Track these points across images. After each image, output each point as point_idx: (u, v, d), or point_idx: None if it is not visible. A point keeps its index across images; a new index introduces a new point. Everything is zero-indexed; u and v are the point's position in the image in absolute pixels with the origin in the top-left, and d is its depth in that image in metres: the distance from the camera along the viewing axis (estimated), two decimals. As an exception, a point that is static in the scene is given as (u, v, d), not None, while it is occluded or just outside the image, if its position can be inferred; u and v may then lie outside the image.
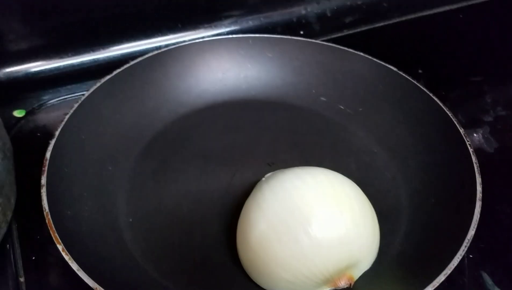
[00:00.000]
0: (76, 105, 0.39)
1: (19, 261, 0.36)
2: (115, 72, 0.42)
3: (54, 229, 0.31)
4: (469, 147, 0.37)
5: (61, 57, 0.52)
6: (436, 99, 0.41)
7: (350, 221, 0.31)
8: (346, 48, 0.47)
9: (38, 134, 0.46)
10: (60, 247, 0.30)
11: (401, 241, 0.35)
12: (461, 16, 0.63)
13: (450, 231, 0.33)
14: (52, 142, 0.36)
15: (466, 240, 0.31)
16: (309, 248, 0.30)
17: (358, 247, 0.31)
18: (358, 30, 0.60)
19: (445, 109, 0.40)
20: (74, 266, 0.29)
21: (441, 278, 0.29)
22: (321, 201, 0.32)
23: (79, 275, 0.29)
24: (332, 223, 0.31)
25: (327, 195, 0.32)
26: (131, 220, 0.37)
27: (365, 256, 0.32)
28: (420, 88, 0.43)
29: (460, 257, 0.30)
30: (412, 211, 0.37)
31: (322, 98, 0.48)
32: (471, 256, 0.36)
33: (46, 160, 0.35)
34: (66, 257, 0.29)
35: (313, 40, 0.48)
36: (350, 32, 0.60)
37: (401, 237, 0.36)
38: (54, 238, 0.30)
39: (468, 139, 0.37)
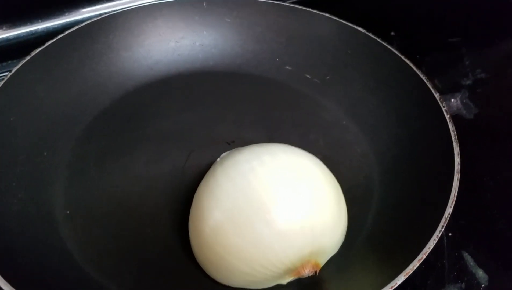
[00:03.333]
0: (1, 83, 0.34)
1: None
2: (47, 43, 0.37)
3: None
4: (445, 113, 0.33)
5: (-6, 31, 0.46)
6: (409, 62, 0.37)
7: (311, 203, 0.28)
8: (311, 10, 0.42)
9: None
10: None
11: (371, 223, 0.32)
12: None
13: (425, 209, 0.30)
14: (-27, 126, 0.31)
15: (443, 219, 0.27)
16: (267, 235, 0.27)
17: (322, 231, 0.28)
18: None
19: (419, 73, 0.36)
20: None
21: (415, 264, 0.25)
22: (280, 183, 0.28)
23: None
24: (291, 206, 0.28)
25: (286, 175, 0.29)
26: (68, 212, 0.32)
27: (330, 240, 0.29)
28: (392, 51, 0.39)
29: (437, 239, 0.27)
30: (384, 189, 0.34)
31: (287, 67, 0.43)
32: (450, 234, 0.33)
33: (-34, 147, 0.30)
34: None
35: (276, 2, 0.43)
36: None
37: (371, 218, 0.32)
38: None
39: (444, 105, 0.34)
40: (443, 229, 0.27)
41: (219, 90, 0.42)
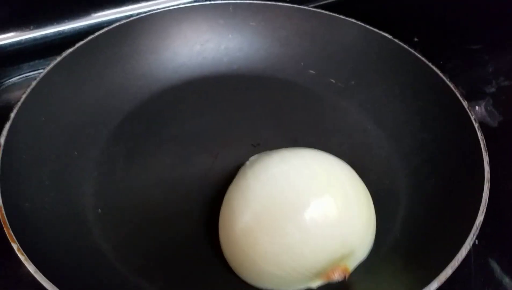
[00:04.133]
0: (34, 83, 0.35)
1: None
2: (77, 45, 0.38)
3: (8, 225, 0.27)
4: (474, 122, 0.33)
5: (23, 30, 0.47)
6: (436, 69, 0.37)
7: (342, 207, 0.28)
8: (336, 15, 0.43)
9: (-3, 117, 0.41)
10: (15, 246, 0.26)
11: (399, 227, 0.32)
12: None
13: (455, 217, 0.30)
14: (7, 125, 0.32)
15: (474, 227, 0.27)
16: (298, 239, 0.27)
17: (353, 235, 0.28)
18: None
19: (446, 81, 0.36)
20: (31, 267, 0.25)
21: (448, 271, 0.26)
22: (310, 186, 0.29)
23: (37, 278, 0.25)
24: (322, 210, 0.28)
25: (317, 180, 0.29)
26: (99, 211, 0.33)
27: (361, 244, 0.29)
28: (419, 57, 0.39)
29: (469, 247, 0.27)
30: (410, 194, 0.34)
31: (311, 71, 0.43)
32: (476, 242, 0.33)
33: (0, 146, 0.31)
34: (22, 257, 0.26)
35: (300, 7, 0.44)
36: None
37: (399, 223, 0.32)
38: (8, 236, 0.26)
39: (472, 113, 0.34)
40: (474, 237, 0.27)
41: (243, 93, 0.43)
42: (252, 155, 0.35)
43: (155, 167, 0.36)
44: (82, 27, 0.47)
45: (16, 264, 0.29)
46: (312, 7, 0.49)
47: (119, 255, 0.31)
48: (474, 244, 0.32)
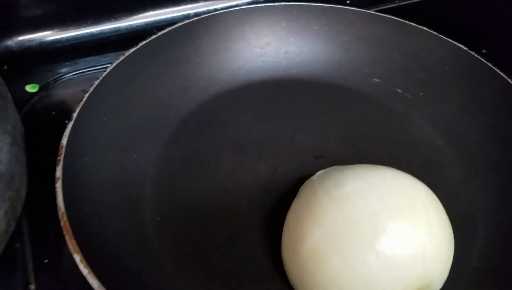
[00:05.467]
0: (96, 82, 0.34)
1: (30, 265, 0.31)
2: (140, 44, 0.37)
3: (71, 234, 0.26)
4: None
5: (79, 25, 0.46)
6: (517, 86, 0.35)
7: (426, 234, 0.26)
8: (406, 22, 0.40)
9: (53, 113, 0.41)
10: (78, 257, 0.25)
11: (477, 257, 0.30)
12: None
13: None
14: (69, 126, 0.31)
15: None
16: (375, 266, 0.25)
17: (434, 266, 0.26)
18: (413, 0, 0.53)
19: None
20: (94, 283, 0.24)
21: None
22: (391, 209, 0.26)
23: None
24: (403, 236, 0.26)
25: (398, 202, 0.27)
26: (158, 219, 0.32)
27: (440, 274, 0.27)
28: (497, 72, 0.36)
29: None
30: (488, 220, 0.32)
31: (376, 80, 0.41)
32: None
33: (62, 147, 0.30)
34: (85, 270, 0.24)
35: (369, 11, 0.41)
36: (404, 2, 0.52)
37: (477, 251, 0.30)
38: (70, 246, 0.25)
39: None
40: None
41: (302, 100, 0.41)
42: (314, 167, 0.33)
43: (213, 174, 0.35)
44: (139, 24, 0.47)
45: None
46: (375, 10, 0.47)
47: (176, 266, 0.29)
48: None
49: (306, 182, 0.32)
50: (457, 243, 0.29)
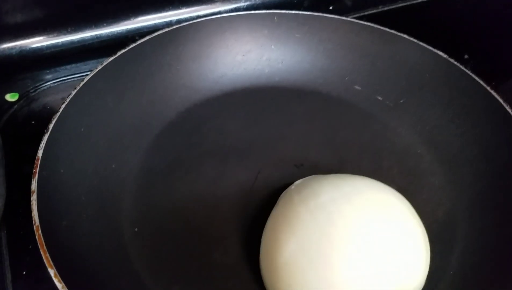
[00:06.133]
0: (73, 92, 0.33)
1: (8, 275, 0.31)
2: (119, 53, 0.36)
3: (45, 248, 0.25)
4: (538, 155, 0.31)
5: (60, 33, 0.46)
6: (495, 94, 0.35)
7: (398, 246, 0.26)
8: (387, 29, 0.40)
9: (33, 122, 0.41)
10: (52, 272, 0.25)
11: (455, 266, 0.30)
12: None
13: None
14: (45, 137, 0.30)
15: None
16: (349, 278, 0.25)
17: (407, 276, 0.26)
18: (396, 6, 0.53)
19: (506, 107, 0.34)
20: (67, 296, 0.24)
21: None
22: (364, 219, 0.27)
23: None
24: (377, 249, 0.26)
25: (371, 212, 0.27)
26: (136, 229, 0.31)
27: (415, 284, 0.27)
28: (474, 79, 0.36)
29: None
30: (467, 228, 0.32)
31: (357, 87, 0.41)
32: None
33: (38, 159, 0.29)
34: (59, 285, 0.24)
35: (349, 19, 0.41)
36: (386, 8, 0.53)
37: (455, 261, 0.30)
38: (45, 259, 0.25)
39: (537, 146, 0.31)
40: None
41: (284, 107, 0.41)
42: (294, 176, 0.33)
43: (194, 182, 0.35)
44: (121, 31, 0.46)
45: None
46: (356, 17, 0.47)
47: (153, 278, 0.29)
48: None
49: (284, 191, 0.32)
50: (435, 251, 0.29)
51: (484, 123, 0.35)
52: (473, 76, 0.36)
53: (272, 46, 0.43)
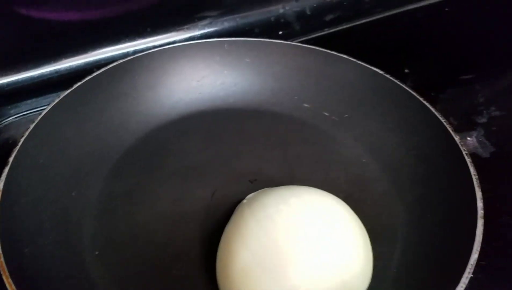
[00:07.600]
0: (32, 126, 0.35)
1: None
2: (76, 85, 0.38)
3: (8, 274, 0.27)
4: (465, 157, 0.34)
5: (19, 70, 0.47)
6: (428, 104, 0.38)
7: (341, 249, 0.28)
8: (329, 51, 0.43)
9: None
10: (14, 298, 0.26)
11: (396, 264, 0.32)
12: (447, 9, 0.61)
13: (450, 254, 0.30)
14: (5, 170, 0.32)
15: (469, 266, 0.28)
16: (298, 281, 0.27)
17: (352, 278, 0.28)
18: (340, 28, 0.57)
19: (438, 116, 0.37)
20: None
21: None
22: (309, 228, 0.29)
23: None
24: (321, 253, 0.28)
25: (315, 221, 0.29)
26: (97, 253, 0.33)
27: (359, 285, 0.29)
28: (409, 92, 0.40)
29: (465, 285, 0.27)
30: (408, 230, 0.34)
31: (305, 105, 0.44)
32: (472, 276, 0.33)
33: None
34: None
35: (294, 43, 0.45)
36: (332, 30, 0.56)
37: (397, 260, 0.33)
38: (8, 286, 0.26)
39: (464, 148, 0.34)
40: (470, 275, 0.27)
41: (239, 127, 0.43)
42: (248, 191, 0.35)
43: (154, 204, 0.37)
44: (79, 64, 0.48)
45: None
46: (304, 40, 0.50)
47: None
48: (471, 279, 0.33)
49: (238, 205, 0.34)
50: (380, 252, 0.31)
51: (420, 132, 0.38)
52: (408, 89, 0.40)
53: (225, 71, 0.45)
